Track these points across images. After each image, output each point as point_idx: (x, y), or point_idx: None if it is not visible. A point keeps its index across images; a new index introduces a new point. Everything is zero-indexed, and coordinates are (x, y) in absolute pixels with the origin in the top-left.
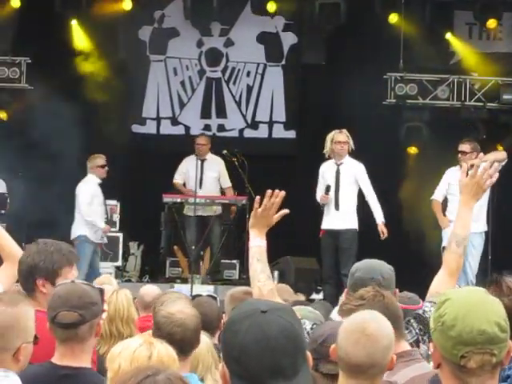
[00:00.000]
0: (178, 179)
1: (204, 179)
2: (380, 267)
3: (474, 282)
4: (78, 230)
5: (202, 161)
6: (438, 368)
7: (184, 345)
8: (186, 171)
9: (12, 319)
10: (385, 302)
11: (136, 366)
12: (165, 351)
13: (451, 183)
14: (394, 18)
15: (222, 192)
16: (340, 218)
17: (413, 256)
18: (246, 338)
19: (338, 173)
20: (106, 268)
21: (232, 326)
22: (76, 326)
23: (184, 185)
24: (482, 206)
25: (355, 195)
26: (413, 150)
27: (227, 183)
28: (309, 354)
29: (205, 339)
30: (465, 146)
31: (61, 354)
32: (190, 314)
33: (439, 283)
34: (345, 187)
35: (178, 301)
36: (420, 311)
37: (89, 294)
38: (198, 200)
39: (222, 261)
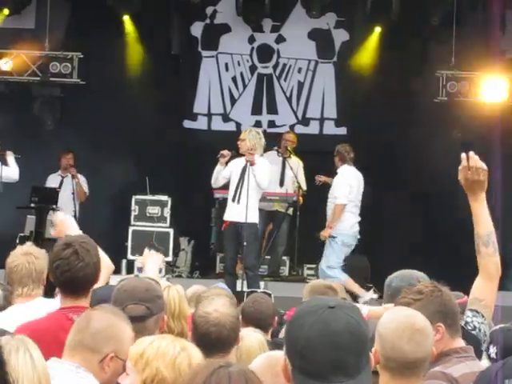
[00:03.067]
0: None
1: (285, 178)
2: (415, 274)
3: None
4: None
5: (285, 158)
6: None
7: (220, 344)
8: None
9: (107, 324)
10: (443, 297)
11: (177, 375)
12: (197, 355)
13: None
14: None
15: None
16: None
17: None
18: (311, 331)
19: None
20: None
21: (298, 319)
22: (144, 319)
23: None
24: None
25: None
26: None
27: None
28: (371, 355)
29: (257, 336)
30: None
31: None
32: (226, 313)
33: (478, 289)
34: None
35: (216, 299)
36: (462, 323)
37: (154, 288)
38: None
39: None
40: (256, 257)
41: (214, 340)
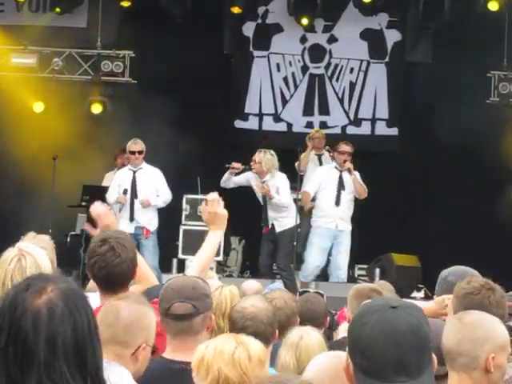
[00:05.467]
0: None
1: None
2: (470, 271)
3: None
4: None
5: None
6: None
7: (258, 338)
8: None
9: (137, 316)
10: (496, 295)
11: (239, 370)
12: (257, 346)
13: None
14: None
15: None
16: None
17: None
18: (374, 330)
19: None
20: None
21: (361, 319)
22: (190, 318)
23: None
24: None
25: None
26: None
27: None
28: (434, 357)
29: (317, 335)
30: (347, 147)
31: (173, 348)
32: (262, 307)
33: None
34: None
35: (253, 296)
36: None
37: (202, 286)
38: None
39: None
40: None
41: (251, 334)
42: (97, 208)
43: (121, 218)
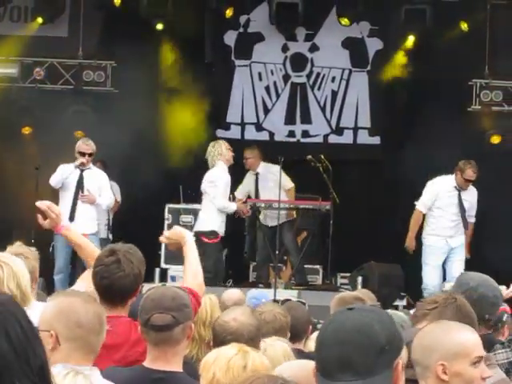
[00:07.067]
0: None
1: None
2: (496, 285)
3: None
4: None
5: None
6: None
7: None
8: None
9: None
10: (457, 304)
11: (231, 376)
12: (259, 359)
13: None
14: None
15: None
16: None
17: None
18: (326, 331)
19: None
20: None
21: (323, 324)
22: (170, 329)
23: None
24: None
25: None
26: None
27: None
28: (400, 362)
29: (280, 344)
30: (473, 175)
31: (153, 358)
32: (245, 322)
33: None
34: None
35: (239, 308)
36: None
37: (181, 296)
38: (281, 205)
39: (306, 266)
40: None
41: None
42: (42, 203)
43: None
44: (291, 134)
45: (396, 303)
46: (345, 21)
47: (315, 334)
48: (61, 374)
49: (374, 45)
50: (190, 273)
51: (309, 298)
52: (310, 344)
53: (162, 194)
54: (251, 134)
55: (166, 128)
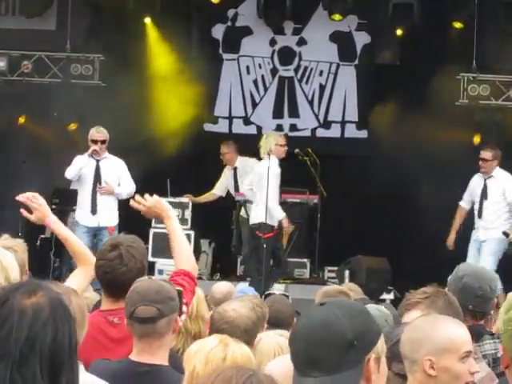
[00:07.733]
0: None
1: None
2: (489, 275)
3: None
4: None
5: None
6: (506, 369)
7: None
8: None
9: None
10: (447, 297)
11: (210, 368)
12: (239, 351)
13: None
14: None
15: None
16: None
17: None
18: (296, 327)
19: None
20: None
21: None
22: (154, 321)
23: None
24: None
25: None
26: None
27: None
28: (372, 356)
29: (276, 339)
30: (486, 154)
31: (139, 351)
32: (243, 314)
33: None
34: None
35: (239, 300)
36: None
37: (166, 289)
38: None
39: (293, 259)
40: None
41: None
42: (22, 196)
43: (80, 208)
44: (279, 127)
45: (383, 297)
46: (334, 15)
47: None
48: None
49: (361, 39)
50: (183, 254)
51: (296, 291)
52: None
53: (150, 187)
54: (239, 128)
55: (153, 122)
